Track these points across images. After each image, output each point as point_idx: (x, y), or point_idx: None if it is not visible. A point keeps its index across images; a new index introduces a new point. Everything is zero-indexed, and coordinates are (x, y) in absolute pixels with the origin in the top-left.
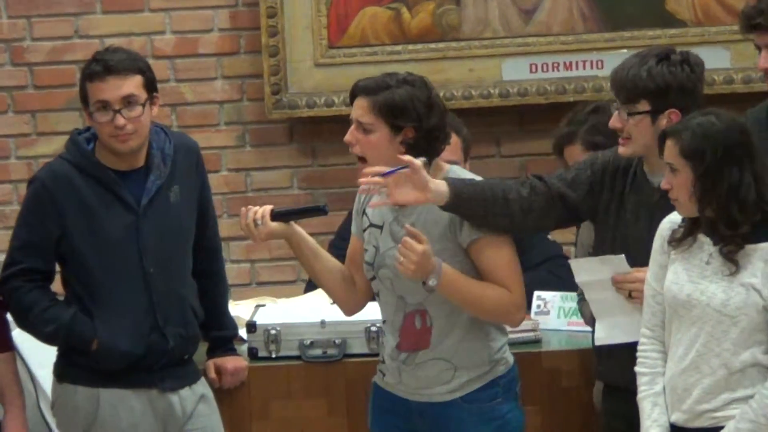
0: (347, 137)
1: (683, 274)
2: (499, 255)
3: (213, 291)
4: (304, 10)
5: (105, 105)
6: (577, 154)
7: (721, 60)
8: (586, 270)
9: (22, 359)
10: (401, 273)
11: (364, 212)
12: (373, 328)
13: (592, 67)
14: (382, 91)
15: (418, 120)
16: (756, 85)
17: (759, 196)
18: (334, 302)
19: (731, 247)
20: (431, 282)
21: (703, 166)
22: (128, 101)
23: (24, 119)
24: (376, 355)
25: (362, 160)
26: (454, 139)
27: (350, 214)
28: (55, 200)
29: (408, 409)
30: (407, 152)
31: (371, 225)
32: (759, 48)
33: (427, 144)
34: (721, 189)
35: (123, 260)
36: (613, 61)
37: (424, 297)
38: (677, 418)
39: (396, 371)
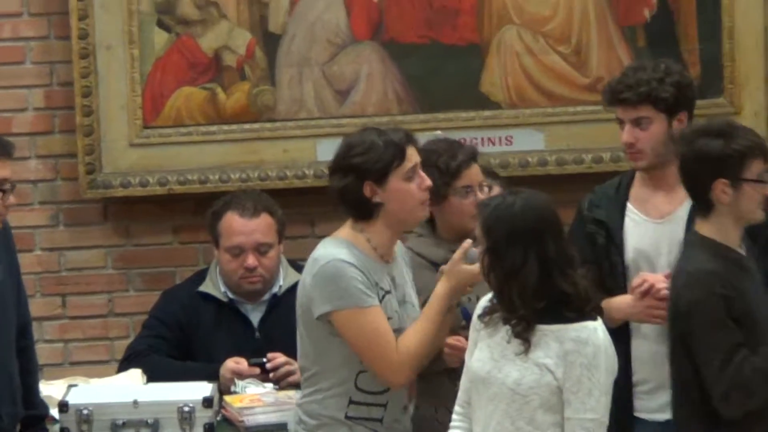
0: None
1: (486, 351)
2: None
3: (24, 368)
4: (119, 90)
5: (2, 183)
6: None
7: (535, 142)
8: None
9: None
10: None
11: (375, 283)
12: (186, 408)
13: None
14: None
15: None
16: (569, 167)
17: (545, 283)
18: (415, 372)
19: (520, 328)
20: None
21: (490, 244)
22: (3, 185)
23: None
24: None
25: None
26: (269, 219)
27: (164, 295)
28: None
29: None
30: None
31: (386, 292)
32: (622, 122)
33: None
34: (501, 269)
35: None
36: None
37: None
38: None
39: (404, 427)
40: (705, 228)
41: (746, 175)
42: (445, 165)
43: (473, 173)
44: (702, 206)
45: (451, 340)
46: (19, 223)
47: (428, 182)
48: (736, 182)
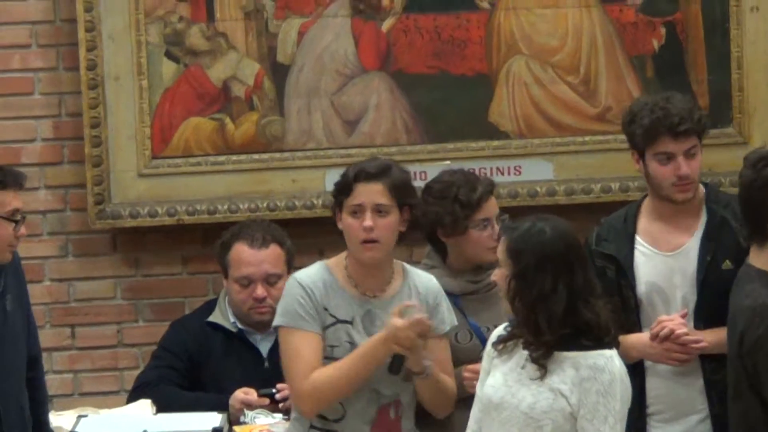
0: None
1: (500, 378)
2: (448, 347)
3: (34, 400)
4: (128, 121)
5: (14, 214)
6: None
7: (543, 172)
8: None
9: None
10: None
11: (324, 309)
12: None
13: (415, 178)
14: None
15: None
16: (578, 196)
17: (571, 310)
18: (325, 404)
19: (539, 353)
20: (429, 370)
21: (519, 269)
22: (15, 216)
23: None
24: None
25: None
26: (278, 250)
27: (173, 326)
28: None
29: None
30: None
31: (339, 321)
32: (668, 157)
33: None
34: (530, 295)
35: None
36: (436, 172)
37: (401, 387)
38: None
39: None
40: (760, 260)
41: None
42: (466, 198)
43: (491, 206)
44: (758, 235)
45: (471, 366)
46: (28, 254)
47: (368, 223)
48: None
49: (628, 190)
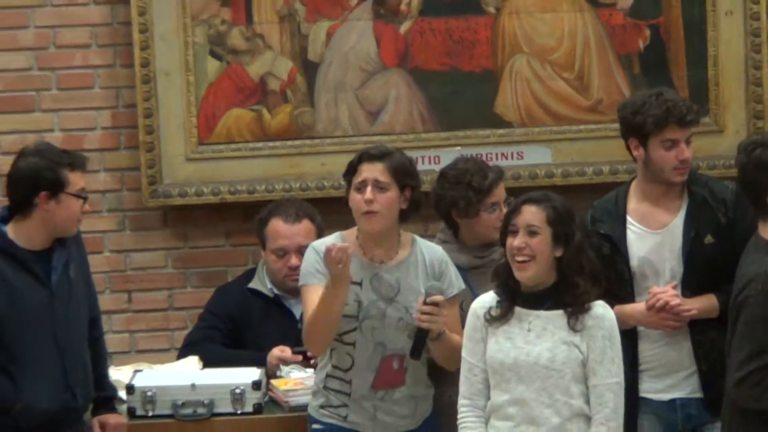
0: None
1: (506, 343)
2: (458, 310)
3: (95, 356)
4: (177, 111)
5: (82, 192)
6: None
7: (543, 156)
8: None
9: None
10: (433, 329)
11: None
12: (237, 390)
13: (430, 163)
14: None
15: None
16: (573, 178)
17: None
18: (317, 343)
19: (577, 309)
20: (444, 335)
21: (573, 244)
22: (82, 194)
23: None
24: (241, 414)
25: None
26: (309, 225)
27: (217, 291)
28: None
29: None
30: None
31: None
32: (673, 143)
33: None
34: (586, 257)
35: (39, 330)
36: (448, 157)
37: (405, 343)
38: None
39: (370, 409)
40: (767, 232)
41: None
42: (478, 184)
43: (500, 191)
44: (760, 211)
45: None
46: (89, 229)
47: (368, 196)
48: None
49: (617, 173)
